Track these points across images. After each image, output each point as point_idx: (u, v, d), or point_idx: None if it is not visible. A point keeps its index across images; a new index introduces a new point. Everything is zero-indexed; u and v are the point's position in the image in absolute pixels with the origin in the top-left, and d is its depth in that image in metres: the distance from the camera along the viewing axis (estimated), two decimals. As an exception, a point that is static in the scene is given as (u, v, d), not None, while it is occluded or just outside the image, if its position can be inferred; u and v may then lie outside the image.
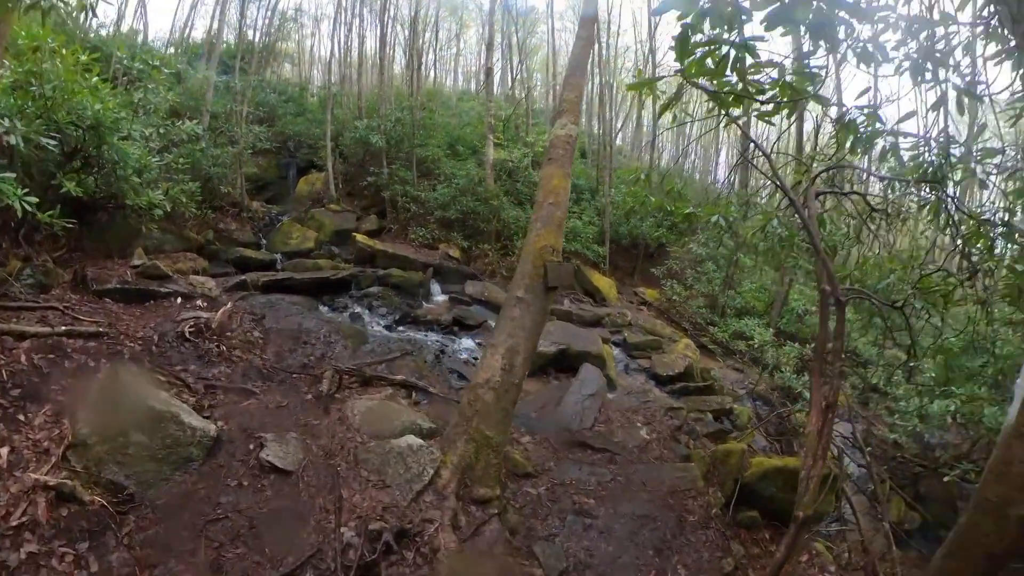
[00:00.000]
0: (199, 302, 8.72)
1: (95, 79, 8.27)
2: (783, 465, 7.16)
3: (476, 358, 11.11)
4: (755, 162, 7.13)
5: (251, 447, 5.66)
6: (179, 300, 8.67)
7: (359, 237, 15.81)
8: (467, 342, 12.44)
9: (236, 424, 6.03)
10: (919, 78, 3.79)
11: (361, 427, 6.31)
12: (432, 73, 33.94)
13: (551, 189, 6.78)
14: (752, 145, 6.49)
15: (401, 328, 12.41)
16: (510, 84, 26.43)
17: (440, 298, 15.20)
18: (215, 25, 17.49)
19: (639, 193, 7.99)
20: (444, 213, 17.23)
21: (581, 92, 7.00)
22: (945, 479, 7.51)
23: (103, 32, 17.88)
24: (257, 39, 23.74)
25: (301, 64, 34.22)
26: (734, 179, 15.68)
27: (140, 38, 21.60)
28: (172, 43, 23.47)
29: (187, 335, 7.37)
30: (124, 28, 20.81)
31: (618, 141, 27.45)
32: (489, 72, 19.47)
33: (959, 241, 5.12)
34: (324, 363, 8.02)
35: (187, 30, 24.64)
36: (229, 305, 8.35)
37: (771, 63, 3.16)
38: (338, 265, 14.64)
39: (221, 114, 16.90)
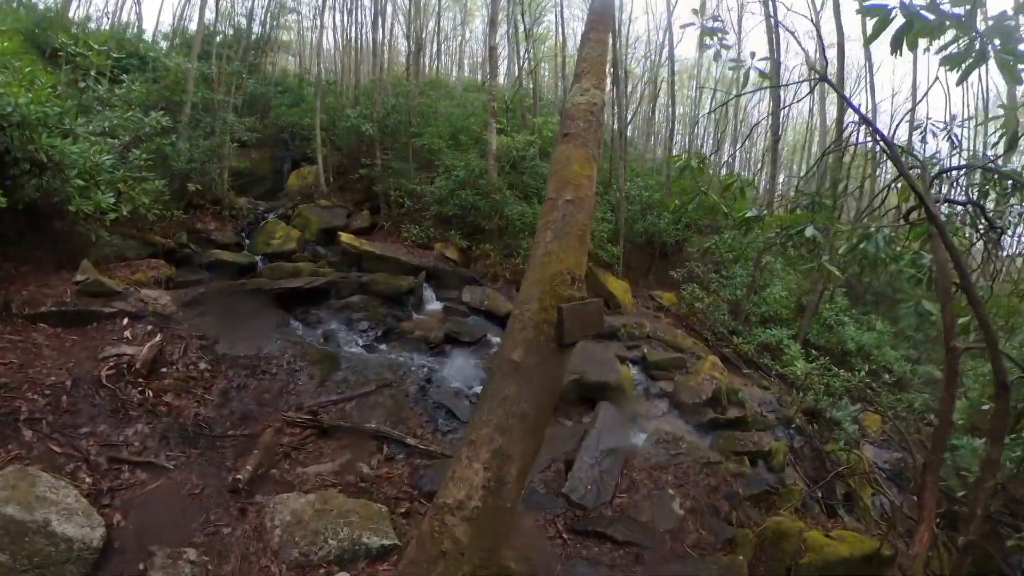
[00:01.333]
0: (127, 333, 7.44)
1: (27, 68, 7.45)
2: (849, 555, 5.78)
3: (470, 388, 9.72)
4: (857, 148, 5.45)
5: (141, 567, 4.10)
6: (125, 321, 7.66)
7: (344, 237, 14.43)
8: (460, 362, 11.02)
9: (134, 523, 4.76)
10: None
11: (282, 548, 4.73)
12: (436, 63, 32.50)
13: (568, 178, 4.44)
14: (859, 124, 4.80)
15: (383, 347, 10.96)
16: (516, 72, 24.77)
17: (433, 307, 13.77)
18: (200, 13, 16.29)
19: (690, 187, 6.29)
20: (441, 209, 15.75)
21: (606, 49, 4.91)
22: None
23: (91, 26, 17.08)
24: (256, 29, 22.68)
25: (301, 55, 32.77)
26: (820, 169, 13.26)
27: (134, 30, 20.81)
28: (169, 35, 22.38)
29: (104, 380, 6.21)
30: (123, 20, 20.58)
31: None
32: (492, 52, 17.78)
33: None
34: (278, 403, 7.01)
35: (183, 22, 23.61)
36: (158, 338, 7.26)
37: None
38: (318, 270, 13.23)
39: (202, 105, 15.65)
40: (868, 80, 20.36)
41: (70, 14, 17.96)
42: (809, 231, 4.35)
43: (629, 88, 25.34)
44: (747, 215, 5.20)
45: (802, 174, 22.07)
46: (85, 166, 8.11)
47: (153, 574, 4.17)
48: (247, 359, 7.73)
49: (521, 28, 23.62)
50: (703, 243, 17.15)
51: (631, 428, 9.60)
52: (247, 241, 14.55)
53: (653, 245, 18.65)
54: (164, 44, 20.52)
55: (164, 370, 6.83)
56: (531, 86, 23.88)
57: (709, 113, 26.40)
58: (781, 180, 26.09)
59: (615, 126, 19.70)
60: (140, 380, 6.39)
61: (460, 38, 36.70)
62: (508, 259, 15.40)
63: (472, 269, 15.26)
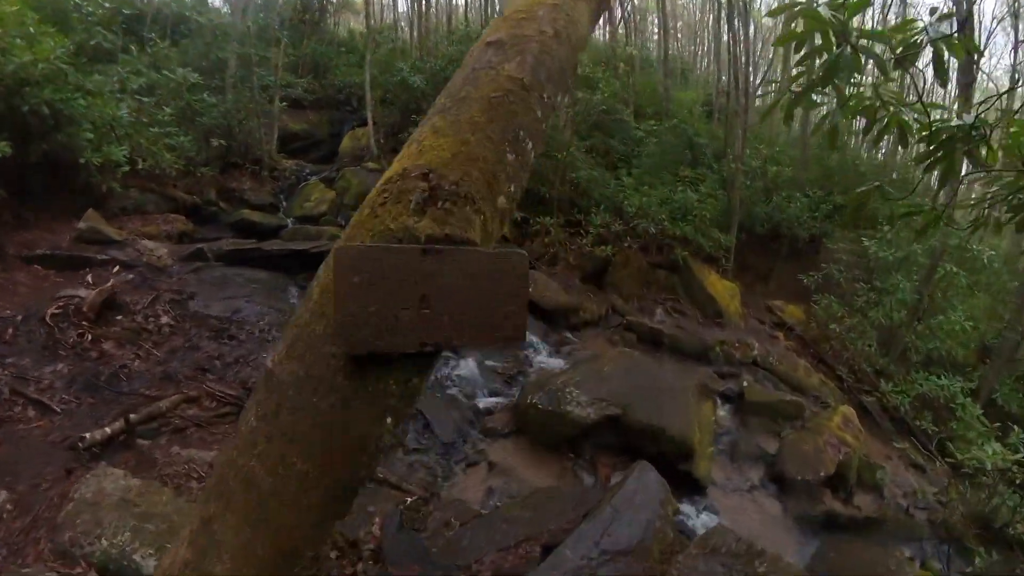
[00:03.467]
0: (89, 278, 7.73)
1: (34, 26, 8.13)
2: None
3: (471, 399, 8.04)
4: None
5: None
6: (115, 268, 8.05)
7: None
8: (472, 364, 8.83)
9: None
10: None
11: (61, 526, 4.29)
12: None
13: (512, 11, 2.55)
14: None
15: None
16: (619, 22, 21.42)
17: None
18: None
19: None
20: None
21: None
22: None
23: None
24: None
25: (369, 16, 31.18)
26: None
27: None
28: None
29: (47, 319, 6.59)
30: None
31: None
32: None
33: None
34: (225, 372, 6.77)
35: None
36: (109, 284, 7.39)
37: None
38: (336, 235, 10.92)
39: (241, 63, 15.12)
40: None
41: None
42: None
43: (752, 29, 20.97)
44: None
45: None
46: (100, 120, 8.75)
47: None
48: (218, 321, 7.49)
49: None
50: (853, 239, 12.90)
51: (682, 507, 6.36)
52: (284, 203, 14.04)
53: (780, 239, 14.61)
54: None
55: (119, 318, 6.96)
56: (629, 39, 20.62)
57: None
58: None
59: (730, 75, 15.71)
60: (84, 323, 6.60)
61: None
62: (573, 238, 12.44)
63: (526, 247, 12.28)
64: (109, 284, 7.29)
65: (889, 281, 11.54)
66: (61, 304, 6.80)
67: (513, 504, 5.90)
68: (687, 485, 6.94)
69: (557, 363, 9.41)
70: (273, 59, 15.51)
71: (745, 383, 9.18)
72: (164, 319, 7.32)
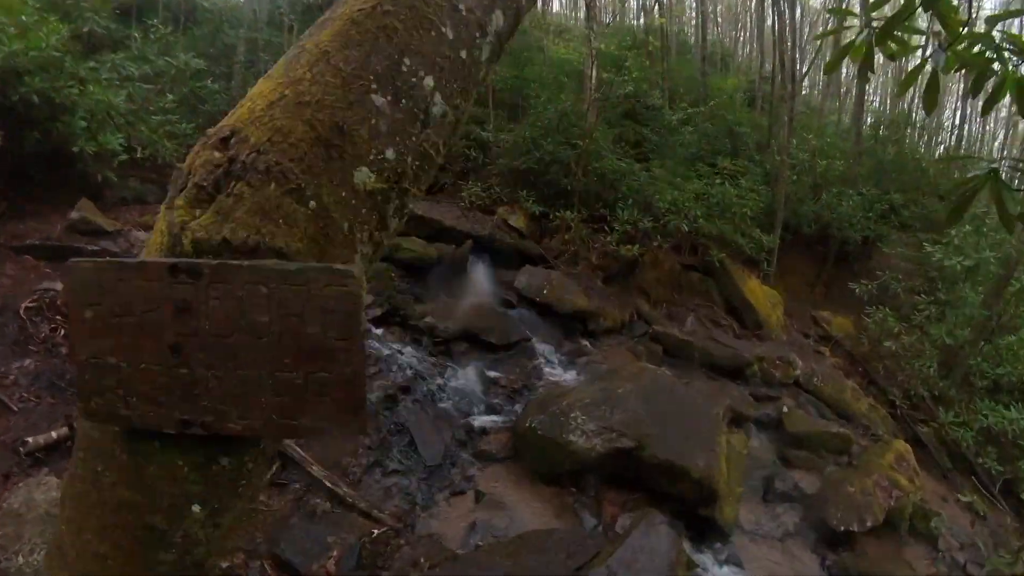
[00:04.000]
0: (63, 271, 6.41)
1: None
2: None
3: (466, 416, 7.24)
4: None
5: None
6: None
7: None
8: (472, 374, 8.11)
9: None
10: None
11: None
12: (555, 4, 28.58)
13: None
14: None
15: (377, 330, 8.52)
16: (653, 6, 20.25)
17: (473, 288, 10.47)
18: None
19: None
20: (511, 162, 12.11)
21: None
22: None
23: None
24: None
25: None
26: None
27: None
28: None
29: (22, 312, 6.33)
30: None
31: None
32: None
33: None
34: None
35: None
36: None
37: None
38: None
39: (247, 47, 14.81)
40: None
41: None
42: None
43: (799, 12, 19.63)
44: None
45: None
46: (96, 108, 8.54)
47: None
48: None
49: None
50: (912, 244, 11.62)
51: (700, 557, 5.46)
52: None
53: (829, 241, 13.35)
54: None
55: None
56: (663, 24, 19.33)
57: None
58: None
59: (774, 58, 14.47)
60: (58, 317, 6.41)
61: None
62: (596, 235, 11.43)
63: (545, 244, 11.47)
64: None
65: (955, 293, 10.25)
66: (36, 297, 6.60)
67: (496, 547, 5.07)
68: (708, 530, 6.00)
69: (570, 376, 8.52)
70: (284, 44, 14.83)
71: (785, 408, 8.13)
72: None
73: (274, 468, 5.31)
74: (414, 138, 1.60)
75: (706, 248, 11.28)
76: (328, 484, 5.26)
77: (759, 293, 11.24)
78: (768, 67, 18.69)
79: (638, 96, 15.13)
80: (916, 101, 25.63)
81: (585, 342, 9.56)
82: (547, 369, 8.61)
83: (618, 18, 23.73)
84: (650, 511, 5.23)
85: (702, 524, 5.99)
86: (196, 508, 1.32)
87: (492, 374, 8.20)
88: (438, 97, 1.66)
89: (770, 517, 6.56)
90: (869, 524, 6.31)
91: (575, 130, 11.89)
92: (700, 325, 10.29)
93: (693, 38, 23.68)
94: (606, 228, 11.10)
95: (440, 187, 12.92)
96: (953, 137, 24.89)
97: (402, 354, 8.06)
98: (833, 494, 6.61)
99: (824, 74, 14.74)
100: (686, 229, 10.57)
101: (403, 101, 1.55)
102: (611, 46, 17.15)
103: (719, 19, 31.03)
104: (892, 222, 13.48)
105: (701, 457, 6.03)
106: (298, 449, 5.44)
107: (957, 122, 24.58)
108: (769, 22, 16.81)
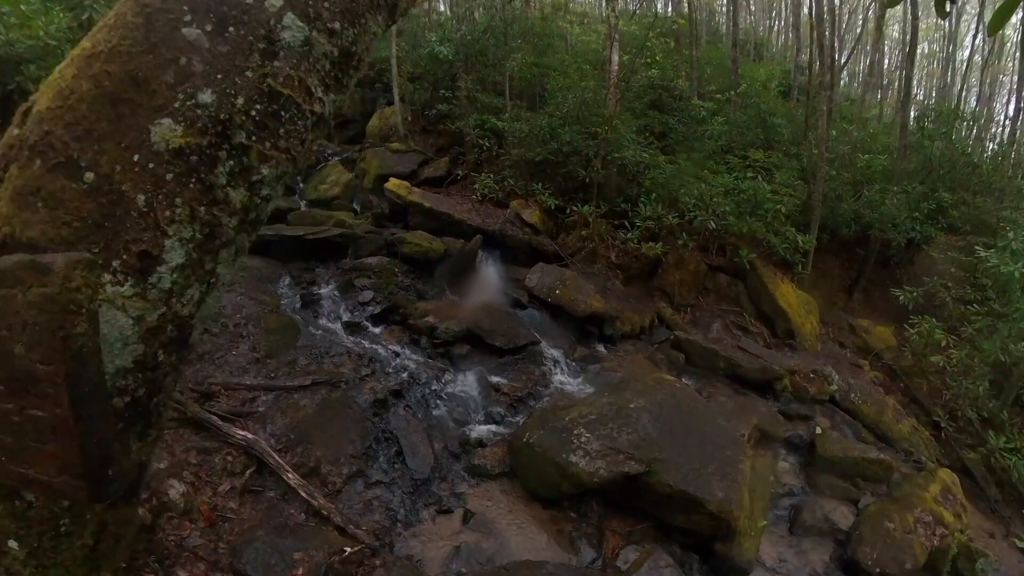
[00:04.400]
0: None
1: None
2: None
3: (464, 425, 6.77)
4: None
5: None
6: None
7: (391, 184, 11.29)
8: (472, 379, 7.63)
9: None
10: None
11: None
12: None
13: None
14: None
15: (375, 329, 8.26)
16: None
17: (481, 286, 9.96)
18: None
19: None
20: (526, 153, 11.43)
21: None
22: None
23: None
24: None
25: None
26: None
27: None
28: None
29: None
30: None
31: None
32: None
33: None
34: (196, 366, 6.11)
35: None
36: None
37: None
38: (345, 220, 10.73)
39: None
40: None
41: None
42: None
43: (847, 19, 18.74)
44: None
45: None
46: None
47: None
48: None
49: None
50: (963, 247, 10.72)
51: None
52: (301, 185, 13.36)
53: (869, 243, 12.45)
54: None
55: None
56: (692, 11, 18.64)
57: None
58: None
59: (812, 44, 13.54)
60: None
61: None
62: (616, 232, 10.78)
63: (559, 241, 10.75)
64: None
65: (1011, 303, 9.36)
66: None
67: (479, 578, 4.52)
68: (724, 567, 5.35)
69: (579, 384, 7.90)
70: None
71: (818, 429, 7.38)
72: None
73: (247, 473, 4.99)
74: (250, 73, 1.08)
75: (735, 248, 10.51)
76: (303, 494, 4.89)
77: (792, 298, 10.45)
78: (804, 56, 17.77)
79: (664, 84, 14.58)
80: (965, 93, 24.41)
81: (600, 347, 8.95)
82: (556, 376, 8.01)
83: (644, 4, 22.85)
84: (656, 548, 4.60)
85: (717, 560, 5.34)
86: (13, 544, 1.21)
87: (495, 380, 7.65)
88: (290, 18, 1.10)
89: (796, 553, 5.88)
90: (908, 567, 5.60)
91: (596, 119, 11.20)
92: (727, 332, 9.58)
93: (724, 26, 22.80)
94: (627, 224, 10.43)
95: (452, 179, 12.51)
96: (1006, 132, 23.53)
97: (398, 355, 7.68)
98: (869, 530, 5.89)
99: (884, 7, 13.73)
100: (713, 227, 9.83)
101: (231, 29, 1.04)
102: (634, 26, 16.49)
103: (751, 5, 29.92)
104: (940, 223, 12.51)
105: (720, 487, 5.36)
106: (273, 454, 5.10)
107: (1010, 113, 23.18)
108: (806, 8, 15.89)
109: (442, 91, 14.00)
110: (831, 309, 11.39)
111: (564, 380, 7.98)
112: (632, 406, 6.16)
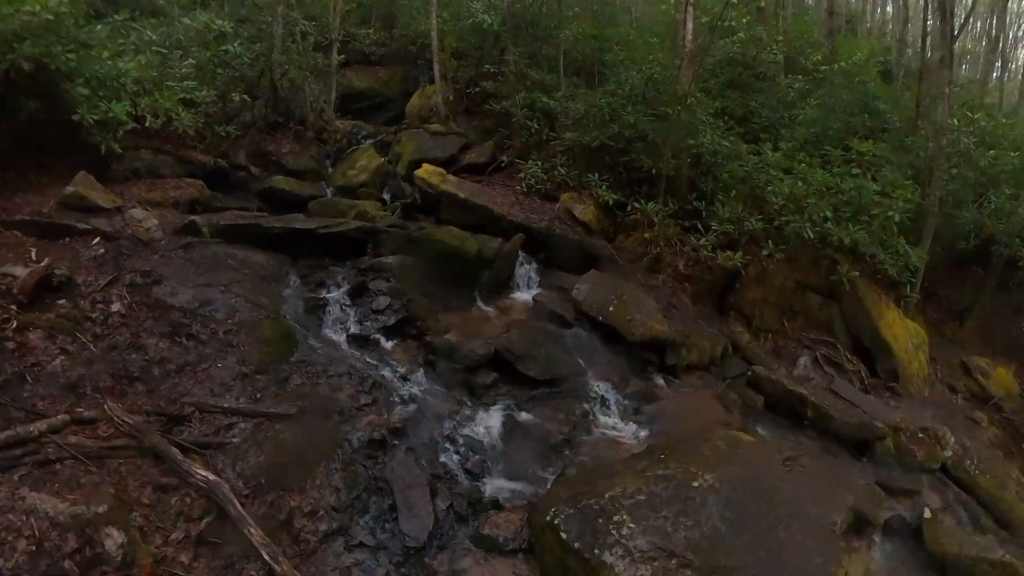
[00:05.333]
0: (33, 253, 6.95)
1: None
2: None
3: (478, 478, 5.77)
4: None
5: None
6: (96, 240, 7.51)
7: (422, 172, 10.43)
8: (496, 420, 6.45)
9: None
10: None
11: None
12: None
13: None
14: None
15: (386, 343, 7.29)
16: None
17: (521, 294, 8.95)
18: None
19: None
20: (582, 137, 10.09)
21: None
22: None
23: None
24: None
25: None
26: None
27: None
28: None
29: None
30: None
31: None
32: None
33: None
34: (161, 383, 5.69)
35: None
36: (44, 263, 6.67)
37: None
38: (367, 212, 10.02)
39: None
40: None
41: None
42: None
43: None
44: None
45: None
46: (102, 75, 8.47)
47: None
48: (181, 313, 6.60)
49: None
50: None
51: None
52: (330, 170, 13.03)
53: (989, 259, 10.56)
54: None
55: (62, 302, 6.30)
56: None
57: None
58: None
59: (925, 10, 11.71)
60: (13, 307, 5.94)
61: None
62: (686, 235, 9.32)
63: (616, 244, 9.49)
64: (44, 263, 6.61)
65: None
66: (-7, 282, 6.14)
67: None
68: None
69: (630, 432, 6.63)
70: (331, 5, 13.93)
71: (927, 511, 5.90)
72: (116, 306, 6.57)
73: (204, 522, 4.55)
74: None
75: (832, 262, 8.84)
76: (266, 555, 4.27)
77: (898, 329, 8.74)
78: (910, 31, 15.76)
79: (745, 60, 12.96)
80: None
81: (659, 380, 7.65)
82: (601, 418, 6.80)
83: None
84: None
85: None
86: None
87: (524, 418, 6.55)
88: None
89: None
90: None
91: (666, 97, 9.74)
92: (816, 368, 8.07)
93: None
94: (700, 227, 8.93)
95: (497, 166, 11.47)
96: None
97: (408, 380, 6.62)
98: None
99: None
100: (811, 236, 8.21)
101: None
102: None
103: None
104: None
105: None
106: (236, 503, 4.51)
107: None
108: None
109: (488, 66, 13.05)
110: (939, 340, 9.64)
111: (611, 424, 6.75)
112: (696, 484, 4.86)
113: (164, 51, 10.16)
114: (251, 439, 5.10)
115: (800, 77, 12.59)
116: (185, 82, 9.99)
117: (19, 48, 7.44)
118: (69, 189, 8.07)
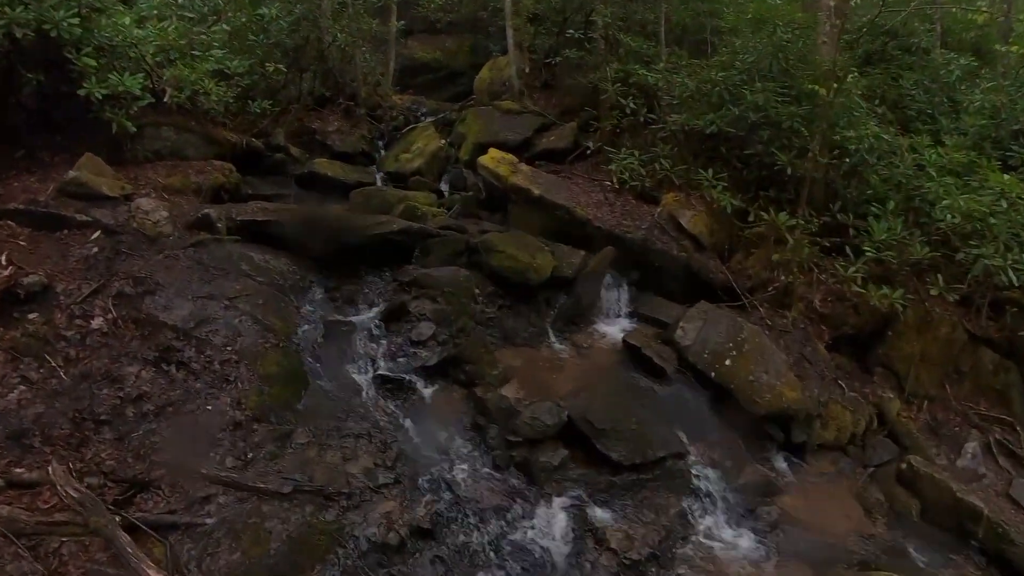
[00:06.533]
0: (3, 257, 6.55)
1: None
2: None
3: None
4: None
5: None
6: (96, 235, 7.03)
7: (487, 159, 9.00)
8: (555, 521, 5.07)
9: None
10: None
11: None
12: None
13: None
14: None
15: (427, 391, 6.11)
16: None
17: (606, 327, 7.40)
18: None
19: None
20: (691, 122, 8.35)
21: None
22: None
23: None
24: None
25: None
26: None
27: None
28: None
29: None
30: None
31: None
32: None
33: None
34: (152, 423, 5.11)
35: None
36: (8, 272, 6.21)
37: None
38: (417, 207, 8.81)
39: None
40: None
41: None
42: None
43: None
44: None
45: None
46: (115, 43, 8.10)
47: None
48: (174, 334, 5.89)
49: None
50: None
51: None
52: (382, 152, 12.48)
53: None
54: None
55: (33, 315, 5.80)
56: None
57: None
58: None
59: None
60: None
61: None
62: (828, 258, 7.38)
63: (734, 266, 7.77)
64: (7, 273, 6.24)
65: None
66: (-34, 279, 5.95)
67: None
68: None
69: (740, 547, 5.04)
70: None
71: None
72: (97, 322, 6.15)
73: None
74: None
75: (1020, 307, 6.72)
76: None
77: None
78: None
79: (892, 28, 10.81)
80: None
81: (782, 463, 5.90)
82: (702, 521, 5.21)
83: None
84: None
85: None
86: None
87: (599, 517, 5.03)
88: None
89: None
90: None
91: (805, 73, 7.91)
92: (988, 459, 6.13)
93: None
94: (846, 249, 6.96)
95: (580, 154, 9.98)
96: None
97: (447, 454, 5.34)
98: None
99: None
100: (1015, 282, 6.10)
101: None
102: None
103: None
104: None
105: None
106: None
107: None
108: None
109: (571, 32, 11.74)
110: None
111: (716, 531, 5.18)
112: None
113: (191, 15, 9.76)
114: (229, 522, 4.32)
115: (956, 55, 10.46)
116: (212, 50, 9.50)
117: (11, 13, 6.96)
118: (71, 174, 7.60)
